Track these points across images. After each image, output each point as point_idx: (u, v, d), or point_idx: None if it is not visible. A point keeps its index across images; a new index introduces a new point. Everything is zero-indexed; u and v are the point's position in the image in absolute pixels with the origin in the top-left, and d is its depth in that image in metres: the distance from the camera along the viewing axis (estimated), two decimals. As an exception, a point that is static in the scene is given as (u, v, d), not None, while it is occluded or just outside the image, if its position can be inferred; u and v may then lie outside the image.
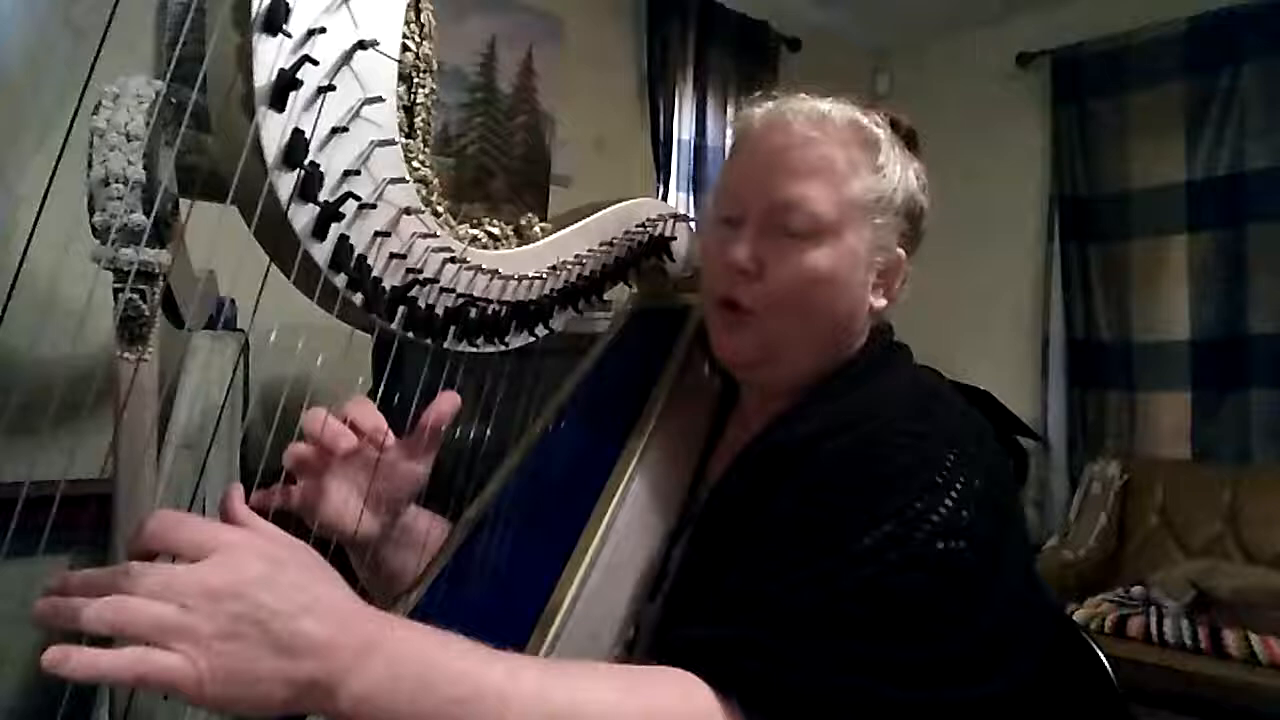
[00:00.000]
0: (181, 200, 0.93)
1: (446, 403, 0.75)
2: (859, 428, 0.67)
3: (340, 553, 0.79)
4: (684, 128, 2.98)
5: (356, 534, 0.76)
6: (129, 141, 0.91)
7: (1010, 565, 0.63)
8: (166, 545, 0.47)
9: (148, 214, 0.90)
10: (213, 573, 0.45)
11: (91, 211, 0.93)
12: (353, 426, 0.71)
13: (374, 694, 0.46)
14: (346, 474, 0.75)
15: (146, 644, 0.43)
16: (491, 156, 2.58)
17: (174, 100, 0.93)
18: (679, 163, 2.96)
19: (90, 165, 0.91)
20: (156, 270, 0.94)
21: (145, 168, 0.90)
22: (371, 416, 0.72)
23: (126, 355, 0.97)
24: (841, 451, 0.65)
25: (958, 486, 0.61)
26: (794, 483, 0.65)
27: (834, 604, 0.57)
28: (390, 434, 0.72)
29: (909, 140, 0.80)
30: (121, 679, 0.42)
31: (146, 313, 0.96)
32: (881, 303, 0.78)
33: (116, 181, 0.91)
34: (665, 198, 2.89)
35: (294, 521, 0.72)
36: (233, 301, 1.65)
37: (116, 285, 0.92)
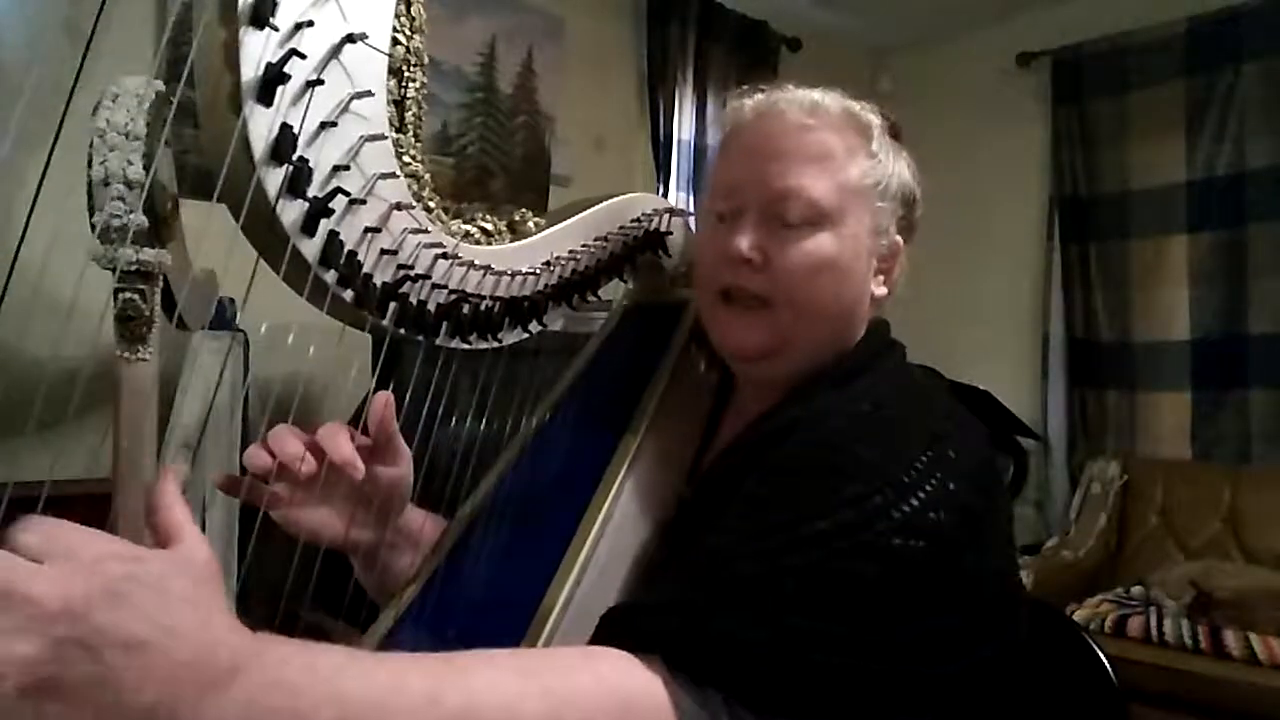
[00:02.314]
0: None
1: (380, 403, 0.72)
2: (831, 421, 0.66)
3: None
4: (684, 128, 2.98)
5: (347, 543, 0.76)
6: (129, 141, 0.91)
7: (982, 570, 0.61)
8: (19, 542, 0.41)
9: (148, 214, 0.90)
10: (51, 584, 0.39)
11: (91, 211, 0.93)
12: (319, 452, 0.69)
13: None
14: (324, 485, 0.73)
15: None
16: (491, 156, 2.58)
17: (172, 100, 0.94)
18: (679, 162, 2.96)
19: (90, 165, 0.91)
20: (156, 270, 0.94)
21: (145, 168, 0.90)
22: (343, 448, 0.68)
23: (126, 355, 0.97)
24: (807, 441, 0.64)
25: (927, 488, 0.59)
26: (758, 469, 0.64)
27: (771, 578, 0.55)
28: (361, 466, 0.69)
29: (894, 135, 0.80)
30: None
31: (146, 313, 0.97)
32: (882, 291, 0.77)
33: (116, 181, 0.91)
34: (665, 198, 2.89)
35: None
36: (233, 301, 1.66)
37: (116, 285, 0.93)
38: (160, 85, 0.94)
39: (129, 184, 0.93)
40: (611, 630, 0.56)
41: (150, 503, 0.49)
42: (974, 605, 0.61)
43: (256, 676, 0.43)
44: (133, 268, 0.91)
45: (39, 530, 0.41)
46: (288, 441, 0.69)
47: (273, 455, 0.69)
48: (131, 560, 0.42)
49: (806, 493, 0.60)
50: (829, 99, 0.76)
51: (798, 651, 0.53)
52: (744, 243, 0.73)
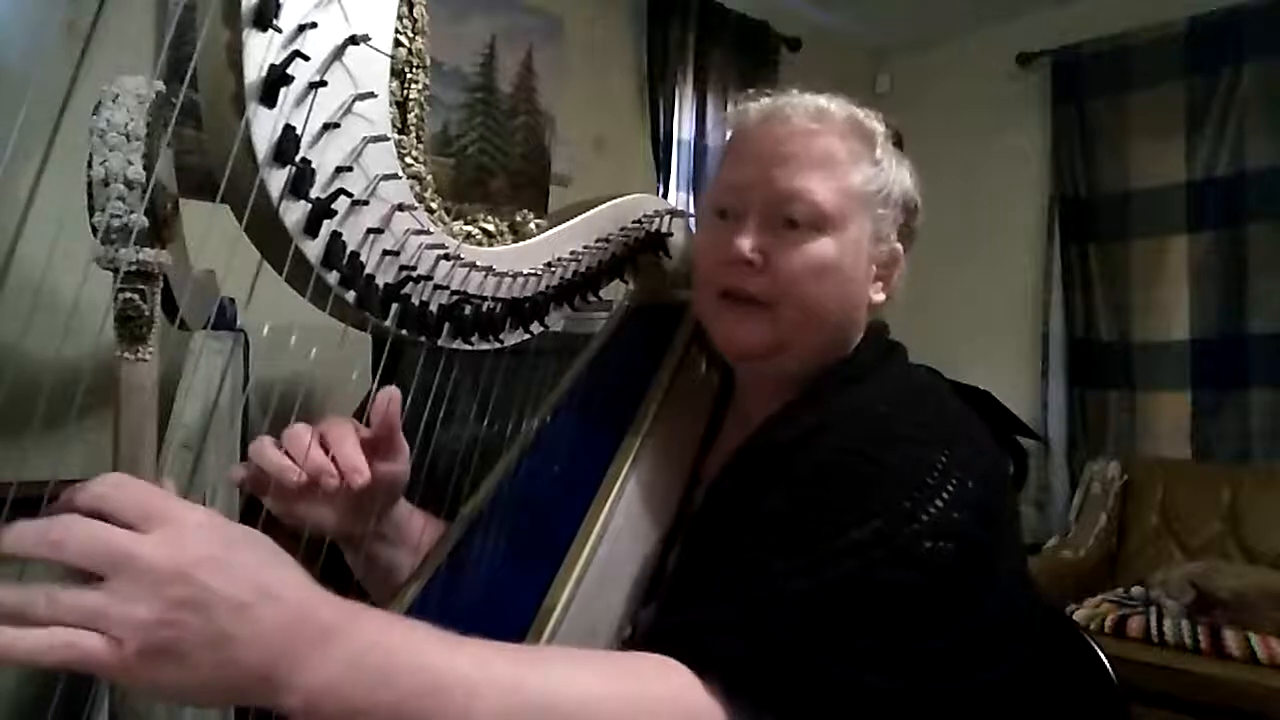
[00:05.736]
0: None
1: (384, 399, 0.70)
2: (852, 426, 0.66)
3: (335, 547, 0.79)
4: (684, 127, 2.99)
5: (338, 532, 0.74)
6: (129, 141, 0.91)
7: (1001, 568, 0.63)
8: (111, 508, 0.42)
9: (148, 214, 0.90)
10: (159, 549, 0.41)
11: (91, 211, 0.93)
12: (326, 448, 0.67)
13: (329, 687, 0.44)
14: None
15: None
16: (491, 156, 2.58)
17: (173, 100, 0.94)
18: (679, 162, 2.96)
19: (90, 165, 0.91)
20: (156, 270, 0.94)
21: (145, 168, 0.90)
22: (351, 457, 0.66)
23: (126, 355, 0.97)
24: (834, 449, 0.65)
25: (950, 488, 0.60)
26: (786, 478, 0.64)
27: (817, 593, 0.56)
28: (366, 473, 0.67)
29: (896, 142, 0.80)
30: (41, 663, 0.39)
31: (146, 313, 0.96)
32: (880, 297, 0.78)
33: (116, 181, 0.91)
34: (665, 198, 2.89)
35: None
36: (233, 301, 1.66)
37: (116, 285, 0.93)
38: (160, 85, 0.94)
39: (129, 184, 0.93)
40: (672, 644, 0.56)
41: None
42: (1003, 606, 0.62)
43: (356, 637, 0.45)
44: (133, 268, 0.91)
45: (147, 494, 0.43)
46: (300, 443, 0.67)
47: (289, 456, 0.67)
48: (225, 525, 0.44)
49: (838, 502, 0.61)
50: (835, 105, 0.77)
51: (851, 674, 0.55)
52: (745, 244, 0.73)
